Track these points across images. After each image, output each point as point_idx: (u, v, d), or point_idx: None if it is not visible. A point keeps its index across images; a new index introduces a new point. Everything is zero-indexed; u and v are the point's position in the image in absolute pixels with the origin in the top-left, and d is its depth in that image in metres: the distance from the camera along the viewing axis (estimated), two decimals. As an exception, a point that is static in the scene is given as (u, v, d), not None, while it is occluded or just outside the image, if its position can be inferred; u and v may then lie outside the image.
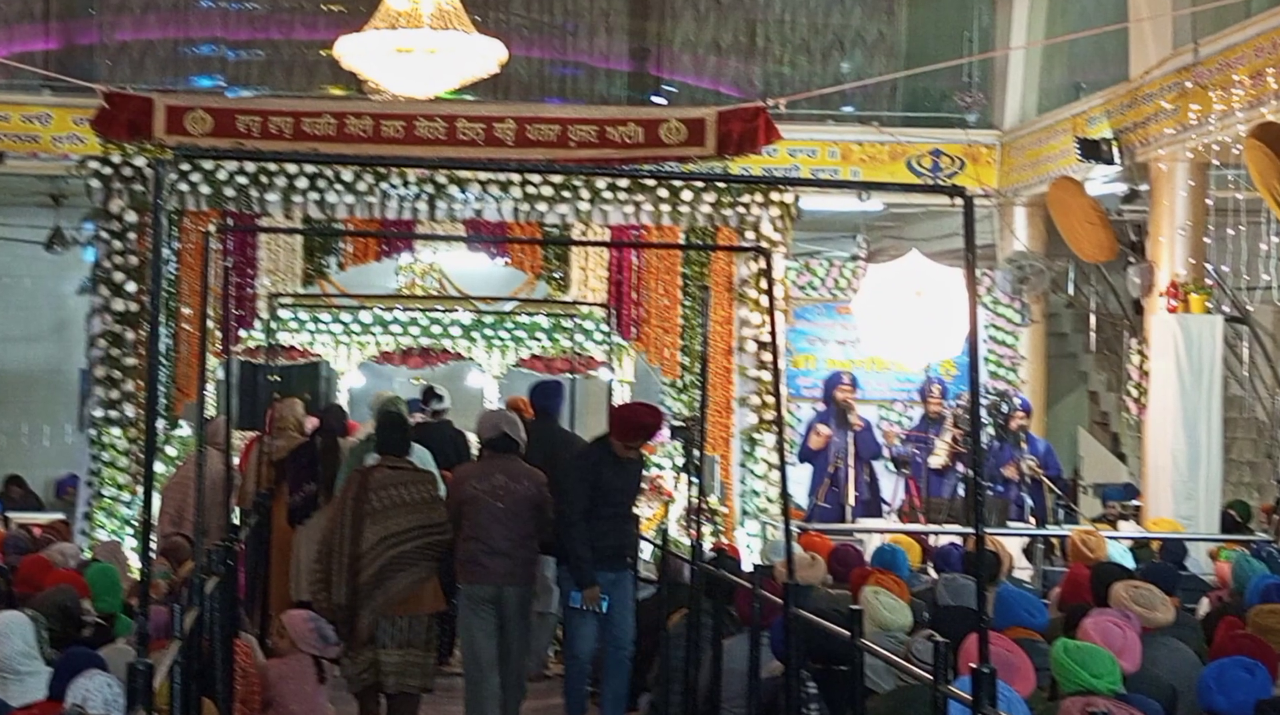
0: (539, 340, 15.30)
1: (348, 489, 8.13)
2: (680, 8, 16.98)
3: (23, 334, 17.27)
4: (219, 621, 6.47)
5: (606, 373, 13.50)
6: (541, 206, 12.67)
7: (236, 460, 10.42)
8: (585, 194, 12.65)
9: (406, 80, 13.01)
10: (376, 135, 12.81)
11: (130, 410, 12.33)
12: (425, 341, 15.24)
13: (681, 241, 12.86)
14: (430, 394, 11.13)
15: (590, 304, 13.10)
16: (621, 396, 14.15)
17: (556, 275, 13.02)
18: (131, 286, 12.36)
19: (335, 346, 15.23)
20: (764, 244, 12.49)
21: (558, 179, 12.59)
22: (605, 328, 13.77)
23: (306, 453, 9.74)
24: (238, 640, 7.20)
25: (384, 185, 12.52)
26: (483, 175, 12.58)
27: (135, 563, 9.56)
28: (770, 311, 7.06)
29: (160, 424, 12.39)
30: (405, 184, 12.52)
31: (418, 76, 12.92)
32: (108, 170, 12.42)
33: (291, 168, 12.47)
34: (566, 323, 14.68)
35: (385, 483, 8.00)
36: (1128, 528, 11.93)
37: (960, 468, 11.95)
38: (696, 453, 8.57)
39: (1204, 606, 7.78)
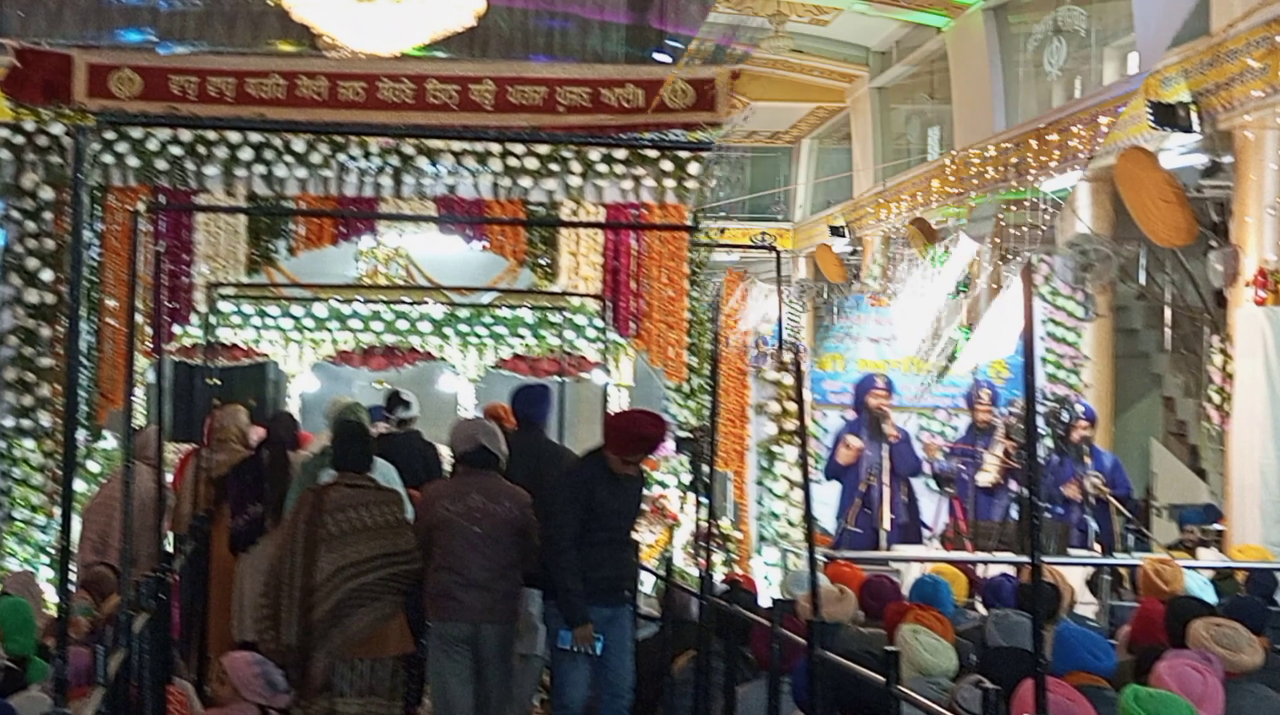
0: (522, 337, 15.33)
1: (299, 511, 8.14)
2: (686, -49, 17.04)
3: (-80, 330, 17.28)
4: (149, 665, 6.46)
5: (601, 375, 13.51)
6: (525, 182, 12.68)
7: (170, 477, 10.42)
8: (576, 167, 12.66)
9: (368, 35, 13.03)
10: (333, 99, 12.81)
11: (46, 419, 12.35)
12: (390, 339, 15.27)
13: (688, 222, 12.87)
14: (395, 400, 11.14)
15: (582, 295, 13.11)
16: (619, 403, 14.17)
17: (543, 262, 13.03)
18: (47, 275, 12.37)
19: (285, 345, 15.25)
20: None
21: (544, 150, 12.60)
22: (599, 323, 13.78)
23: (251, 469, 9.74)
24: (171, 687, 7.20)
25: (342, 157, 12.53)
26: (457, 145, 12.60)
27: (52, 596, 9.57)
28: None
29: (81, 435, 12.40)
30: (366, 156, 12.53)
31: (381, 31, 12.94)
32: (19, 139, 12.44)
33: (234, 137, 12.47)
34: (554, 317, 14.70)
35: (343, 504, 8.01)
36: (1208, 556, 11.95)
37: (1013, 486, 11.96)
38: (706, 469, 8.57)
39: (1297, 647, 7.78)
